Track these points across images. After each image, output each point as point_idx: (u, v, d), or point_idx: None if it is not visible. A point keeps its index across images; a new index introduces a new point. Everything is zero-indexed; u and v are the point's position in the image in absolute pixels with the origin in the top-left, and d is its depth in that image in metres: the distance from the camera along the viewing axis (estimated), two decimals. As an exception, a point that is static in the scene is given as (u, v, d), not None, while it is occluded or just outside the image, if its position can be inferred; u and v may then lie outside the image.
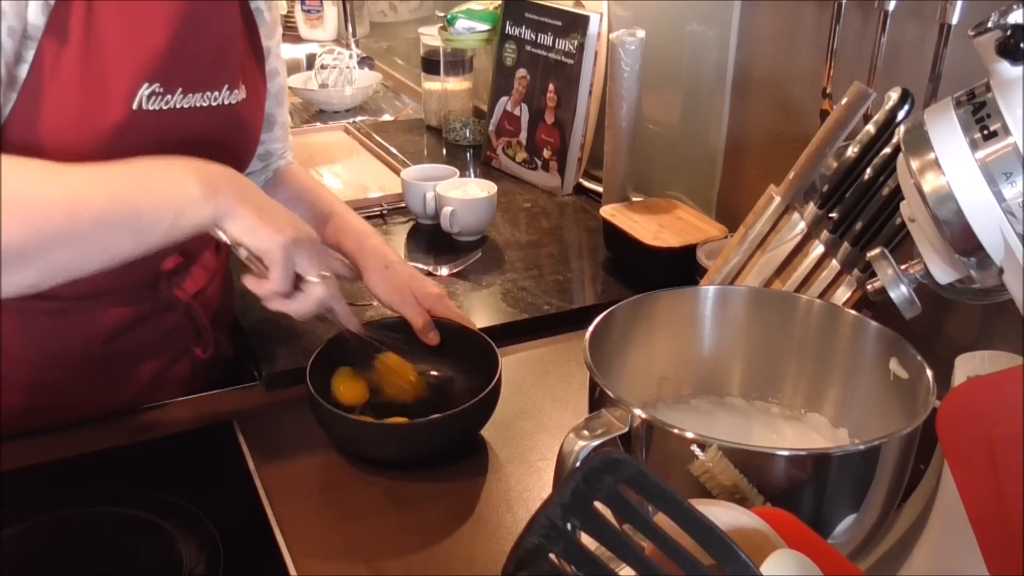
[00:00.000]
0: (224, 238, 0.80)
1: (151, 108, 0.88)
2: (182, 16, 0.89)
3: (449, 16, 1.77)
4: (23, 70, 0.82)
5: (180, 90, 0.91)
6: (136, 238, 0.77)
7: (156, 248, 0.78)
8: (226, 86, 0.96)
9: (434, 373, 1.01)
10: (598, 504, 0.53)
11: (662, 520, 0.53)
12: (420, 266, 1.32)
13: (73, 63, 0.84)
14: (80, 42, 0.83)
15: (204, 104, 0.94)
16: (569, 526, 0.53)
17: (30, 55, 0.82)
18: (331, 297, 0.86)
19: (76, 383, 1.00)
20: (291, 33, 2.72)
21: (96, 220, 0.75)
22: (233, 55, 0.97)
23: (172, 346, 1.06)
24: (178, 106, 0.91)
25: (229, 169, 0.83)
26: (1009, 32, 0.58)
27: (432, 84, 1.91)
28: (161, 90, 0.89)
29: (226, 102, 0.96)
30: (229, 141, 0.99)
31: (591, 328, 0.78)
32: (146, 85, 0.87)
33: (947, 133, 0.62)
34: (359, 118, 2.07)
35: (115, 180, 0.77)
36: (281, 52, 1.13)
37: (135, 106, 0.87)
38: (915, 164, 0.63)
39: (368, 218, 1.50)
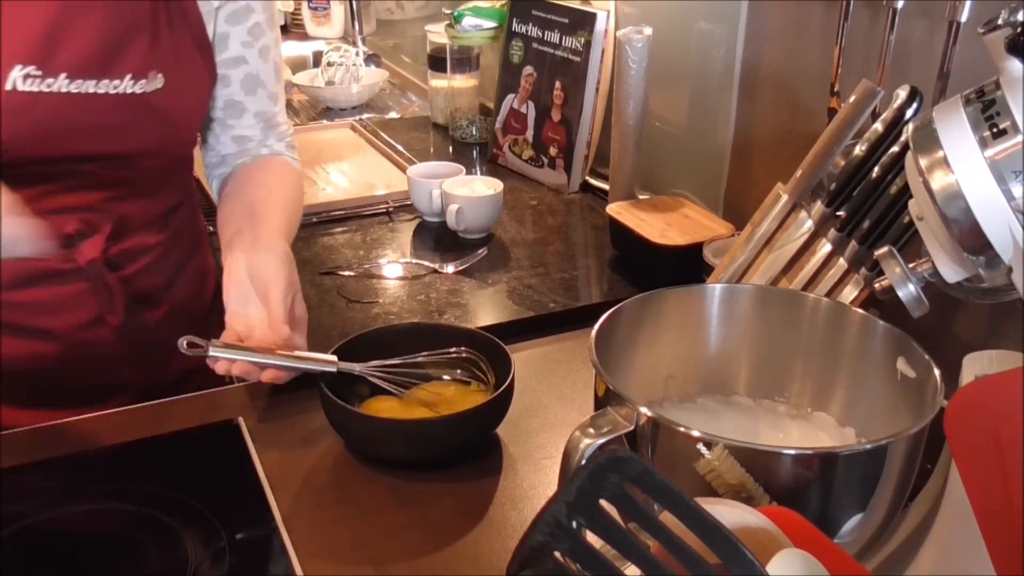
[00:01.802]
0: None
1: (28, 89, 0.92)
2: (68, 4, 0.92)
3: (456, 13, 1.77)
4: None
5: (64, 75, 0.93)
6: None
7: None
8: (129, 75, 0.97)
9: (446, 376, 1.01)
10: (604, 502, 0.52)
11: (668, 519, 0.53)
12: (426, 264, 1.32)
13: None
14: None
15: (100, 91, 0.96)
16: (574, 524, 0.52)
17: None
18: None
19: (47, 373, 1.02)
20: (298, 31, 2.72)
21: None
22: (138, 43, 0.98)
23: (81, 308, 1.05)
24: (63, 90, 0.94)
25: None
26: (1019, 29, 0.58)
27: (439, 81, 1.91)
28: (39, 72, 0.92)
29: (130, 91, 0.98)
30: (137, 130, 1.01)
31: (597, 326, 0.78)
32: (19, 67, 0.91)
33: (956, 131, 0.62)
34: (365, 115, 2.07)
35: None
36: (259, 40, 1.11)
37: (8, 87, 0.91)
38: (924, 162, 0.63)
39: (374, 215, 1.51)
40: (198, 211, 1.21)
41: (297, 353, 0.93)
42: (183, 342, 0.91)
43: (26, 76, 0.91)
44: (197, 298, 1.19)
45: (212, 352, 0.90)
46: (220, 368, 0.93)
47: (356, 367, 0.95)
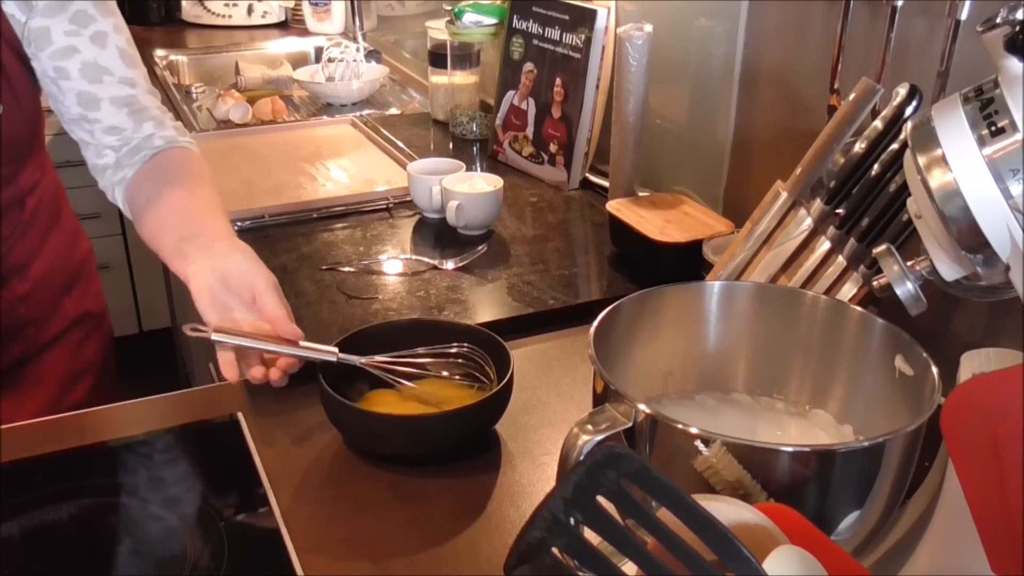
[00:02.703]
0: None
1: None
2: None
3: (456, 10, 1.77)
4: None
5: None
6: None
7: None
8: None
9: (444, 373, 1.01)
10: (601, 499, 0.53)
11: (665, 515, 0.53)
12: (426, 260, 1.33)
13: None
14: None
15: None
16: (572, 520, 0.53)
17: None
18: None
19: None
20: (299, 26, 2.72)
21: None
22: None
23: None
24: None
25: None
26: (1018, 28, 0.58)
27: (439, 78, 1.91)
28: None
29: None
30: None
31: (596, 323, 0.78)
32: None
33: (954, 129, 0.62)
34: (366, 111, 2.07)
35: None
36: (88, 27, 1.08)
37: None
38: (922, 160, 0.63)
39: (374, 212, 1.51)
40: (53, 174, 1.22)
41: (304, 343, 0.93)
42: (187, 328, 0.91)
43: None
44: (67, 259, 1.22)
45: (215, 337, 0.91)
46: (230, 375, 0.93)
47: (357, 359, 0.95)
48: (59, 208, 1.22)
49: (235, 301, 0.95)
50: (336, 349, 0.95)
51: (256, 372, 0.93)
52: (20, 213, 1.14)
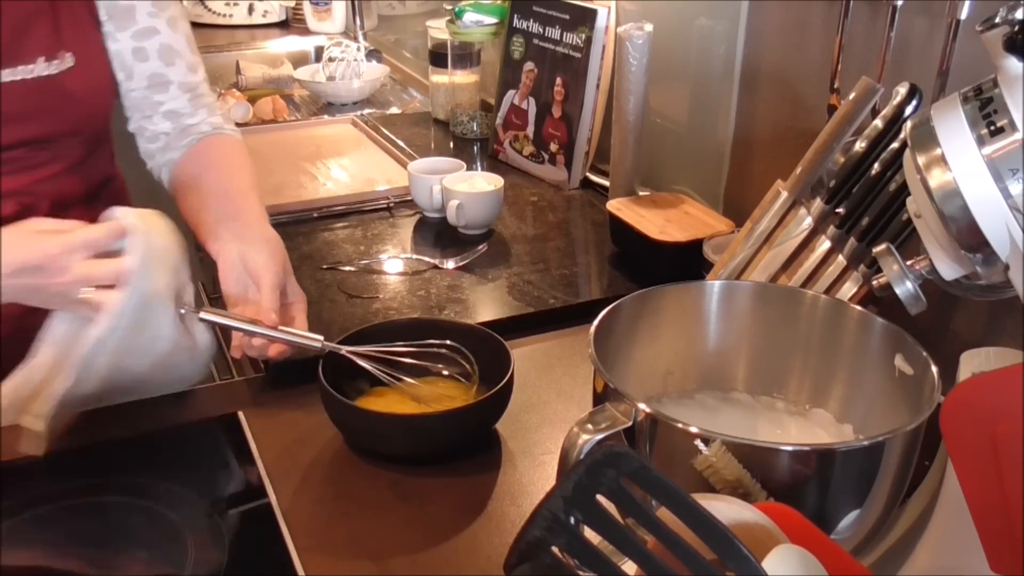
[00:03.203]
0: None
1: None
2: None
3: (457, 9, 1.77)
4: None
5: None
6: None
7: None
8: (41, 58, 0.98)
9: (445, 372, 1.01)
10: (601, 498, 0.53)
11: (664, 514, 0.53)
12: (427, 259, 1.33)
13: None
14: None
15: (17, 79, 0.97)
16: (572, 519, 0.53)
17: None
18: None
19: None
20: (299, 26, 2.72)
21: None
22: (41, 25, 0.99)
23: None
24: None
25: None
26: (1017, 28, 0.58)
27: (439, 77, 1.91)
28: None
29: (45, 73, 0.99)
30: (56, 111, 1.02)
31: (596, 322, 0.78)
32: None
33: (954, 129, 0.62)
34: (366, 111, 2.07)
35: None
36: (165, 11, 1.12)
37: None
38: (921, 160, 0.63)
39: (375, 211, 1.51)
40: (125, 184, 1.23)
41: (284, 328, 0.96)
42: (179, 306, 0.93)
43: None
44: None
45: (203, 315, 0.94)
46: (236, 353, 0.98)
47: (343, 348, 0.95)
48: None
49: (251, 283, 1.00)
50: (321, 337, 0.96)
51: (256, 341, 0.97)
52: (96, 201, 1.13)
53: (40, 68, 0.98)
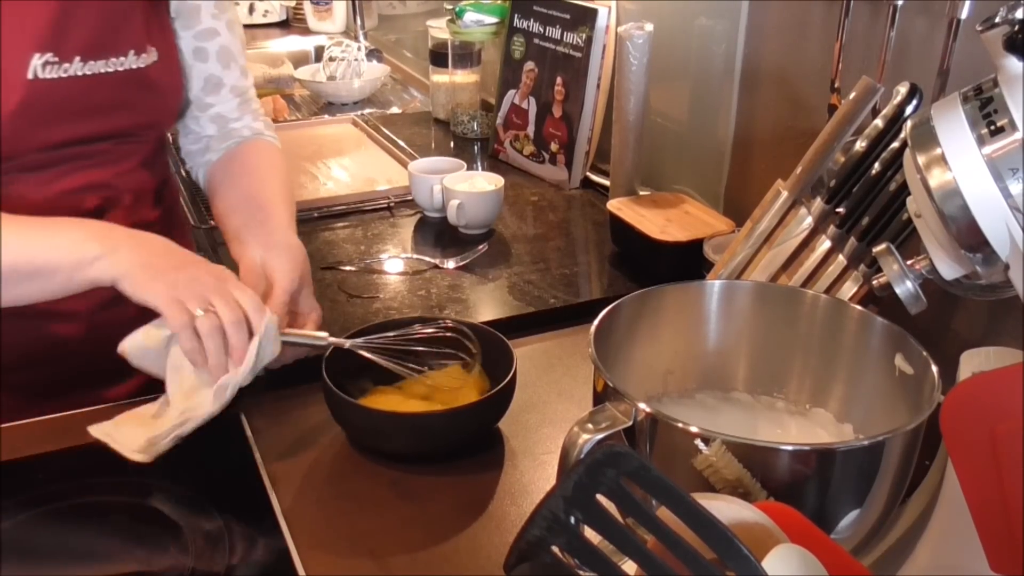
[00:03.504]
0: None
1: (48, 76, 0.94)
2: None
3: (457, 9, 1.77)
4: None
5: (78, 58, 0.96)
6: (41, 285, 0.90)
7: (62, 295, 0.91)
8: (132, 51, 1.00)
9: (446, 362, 1.01)
10: (600, 497, 0.53)
11: (664, 514, 0.53)
12: (427, 259, 1.33)
13: None
14: None
15: (109, 70, 0.99)
16: (572, 519, 0.53)
17: None
18: (230, 324, 0.88)
19: (70, 355, 1.02)
20: (300, 25, 2.73)
21: (8, 267, 0.88)
22: (134, 19, 1.01)
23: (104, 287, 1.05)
24: (79, 73, 0.96)
25: (135, 232, 0.91)
26: (1017, 27, 0.58)
27: (440, 77, 1.91)
28: (56, 59, 0.94)
29: (134, 66, 1.01)
30: (141, 103, 1.04)
31: (596, 322, 0.78)
32: (38, 55, 0.93)
33: (954, 129, 0.62)
34: (367, 111, 2.07)
35: (25, 235, 0.89)
36: (225, 13, 1.13)
37: (31, 75, 0.93)
38: (921, 160, 0.63)
39: (375, 211, 1.51)
40: (178, 184, 1.26)
41: (288, 330, 0.95)
42: None
43: (45, 64, 0.93)
44: None
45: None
46: None
47: (345, 342, 0.96)
48: (184, 218, 1.24)
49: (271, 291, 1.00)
50: (326, 334, 0.96)
51: None
52: (160, 200, 1.14)
53: (130, 60, 1.00)
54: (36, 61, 0.93)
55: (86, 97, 0.98)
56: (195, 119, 1.17)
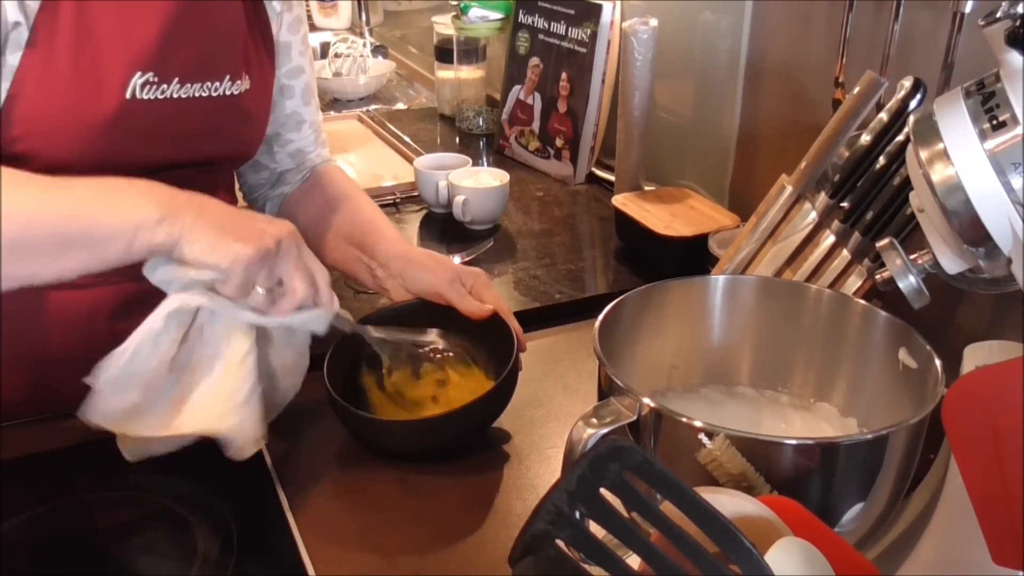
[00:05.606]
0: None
1: (146, 97, 0.91)
2: (177, 7, 0.91)
3: (462, 5, 1.78)
4: (14, 59, 0.84)
5: (176, 80, 0.93)
6: (91, 254, 0.77)
7: (112, 266, 0.79)
8: (228, 76, 0.97)
9: (449, 352, 1.01)
10: (604, 491, 0.53)
11: (668, 508, 0.53)
12: (432, 255, 1.33)
13: (65, 54, 0.86)
14: (71, 34, 0.86)
15: (204, 94, 0.96)
16: (576, 513, 0.53)
17: (21, 46, 0.84)
18: (302, 300, 0.86)
19: (79, 362, 1.02)
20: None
21: (51, 234, 0.76)
22: (234, 46, 0.98)
23: None
24: (175, 96, 0.93)
25: (196, 195, 0.82)
26: (1018, 22, 0.58)
27: (445, 73, 1.91)
28: (155, 79, 0.91)
29: (228, 92, 0.98)
30: (231, 131, 1.01)
31: (601, 317, 0.78)
32: (139, 74, 0.90)
33: (956, 123, 0.62)
34: (373, 107, 2.08)
35: (76, 196, 0.78)
36: (307, 50, 1.13)
37: (128, 95, 0.89)
38: (924, 154, 0.63)
39: (381, 206, 1.50)
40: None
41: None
42: None
43: (144, 83, 0.90)
44: None
45: None
46: None
47: (347, 327, 0.95)
48: None
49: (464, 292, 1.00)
50: (349, 314, 0.96)
51: None
52: None
53: (225, 86, 0.98)
54: (136, 80, 0.90)
55: (177, 121, 0.95)
56: (270, 155, 1.15)
